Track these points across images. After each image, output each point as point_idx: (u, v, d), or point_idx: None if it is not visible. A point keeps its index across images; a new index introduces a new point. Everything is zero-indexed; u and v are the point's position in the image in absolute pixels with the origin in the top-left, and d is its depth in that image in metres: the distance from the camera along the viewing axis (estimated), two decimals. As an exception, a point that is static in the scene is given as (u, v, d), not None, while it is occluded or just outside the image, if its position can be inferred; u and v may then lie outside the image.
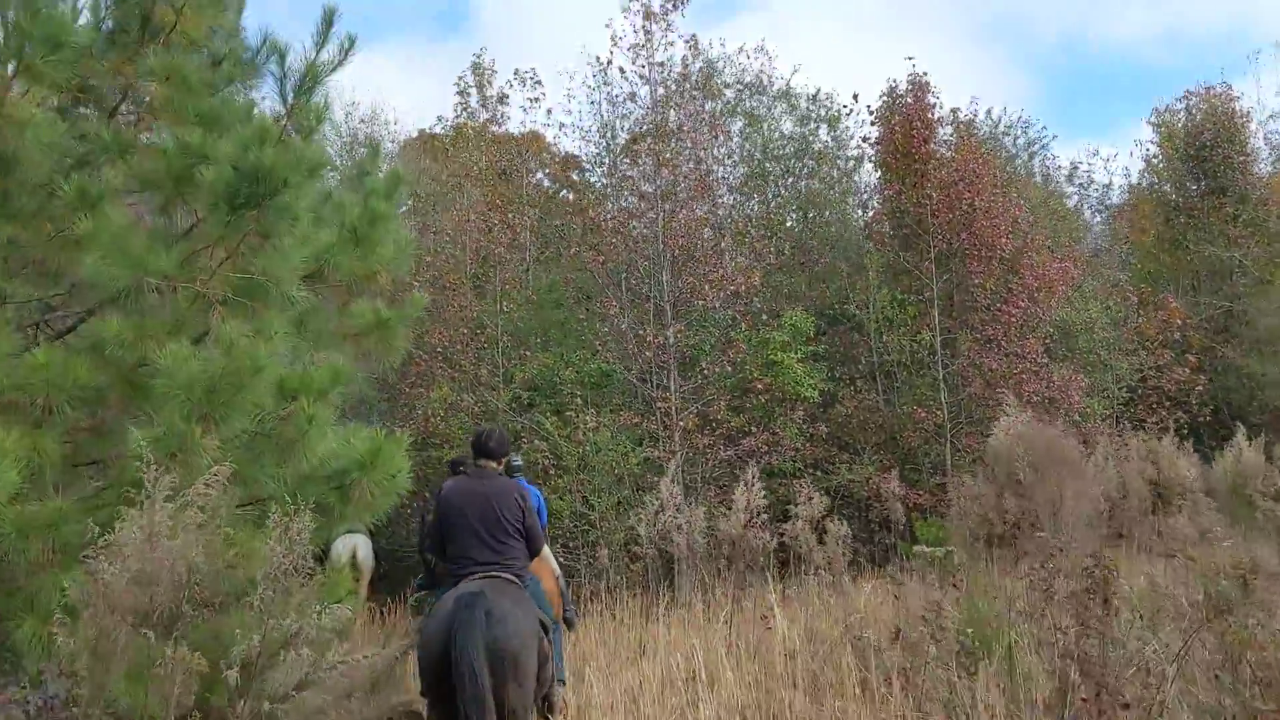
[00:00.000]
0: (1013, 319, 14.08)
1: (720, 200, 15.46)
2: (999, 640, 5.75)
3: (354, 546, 11.22)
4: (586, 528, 12.68)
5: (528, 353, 14.59)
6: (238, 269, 6.58)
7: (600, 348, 13.59)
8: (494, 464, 5.76)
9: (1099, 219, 24.83)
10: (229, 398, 5.80)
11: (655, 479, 12.89)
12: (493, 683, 4.39)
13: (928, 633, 5.45)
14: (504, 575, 5.09)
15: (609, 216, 14.24)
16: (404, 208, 16.31)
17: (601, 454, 12.75)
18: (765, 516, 8.22)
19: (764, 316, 13.91)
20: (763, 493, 8.42)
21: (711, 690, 5.94)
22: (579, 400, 12.99)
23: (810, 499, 9.09)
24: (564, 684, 5.55)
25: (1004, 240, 14.48)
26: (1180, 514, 6.06)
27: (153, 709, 4.40)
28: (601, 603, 10.75)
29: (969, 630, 5.56)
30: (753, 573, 12.30)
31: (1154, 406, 15.97)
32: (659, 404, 13.16)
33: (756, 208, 18.22)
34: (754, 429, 13.11)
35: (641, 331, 13.23)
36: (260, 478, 6.25)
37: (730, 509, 12.73)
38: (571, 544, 12.70)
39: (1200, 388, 16.15)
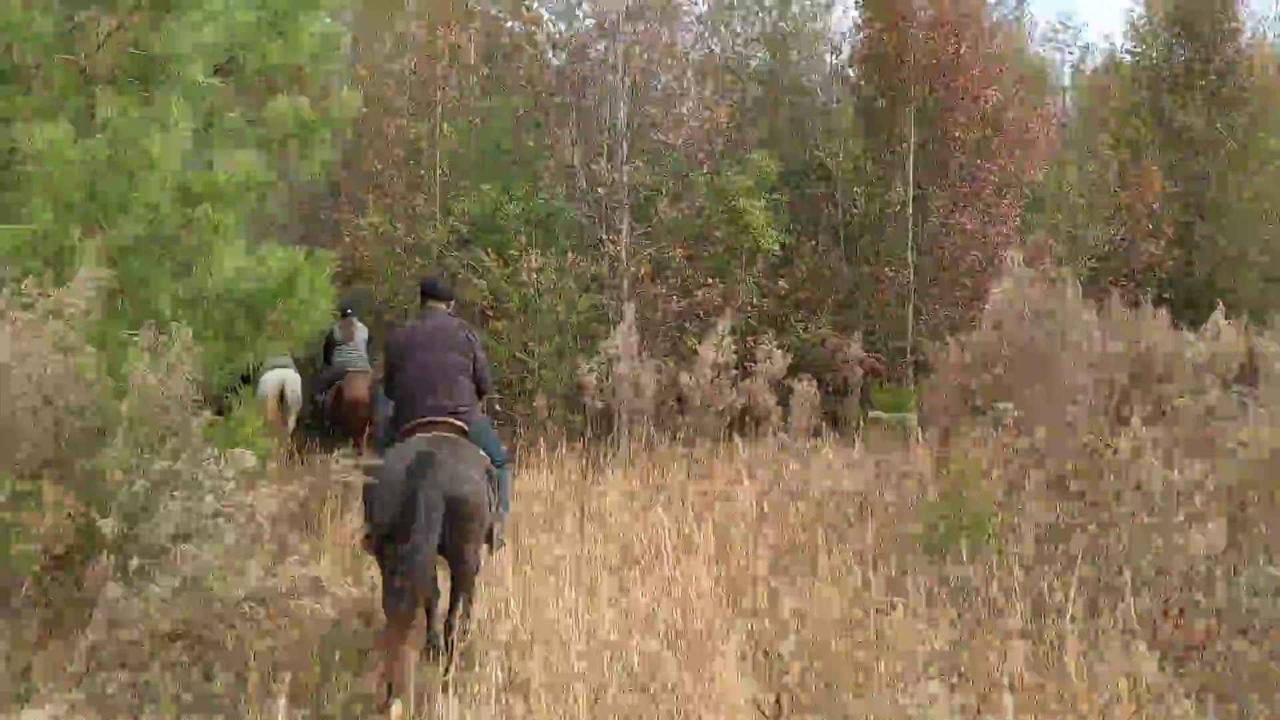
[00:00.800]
0: (991, 177, 13.49)
1: (686, 28, 14.37)
2: (982, 522, 5.31)
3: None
4: (524, 375, 12.09)
5: (467, 184, 13.66)
6: (131, 43, 5.67)
7: (549, 180, 12.71)
8: (443, 305, 5.76)
9: (1071, 90, 24.16)
10: (115, 195, 4.99)
11: (600, 327, 12.31)
12: (448, 538, 4.61)
13: (903, 506, 5.00)
14: (455, 423, 5.17)
15: (561, 34, 13.15)
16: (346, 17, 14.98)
17: (545, 298, 12.07)
18: (735, 374, 7.65)
19: (725, 161, 13.08)
20: (731, 349, 7.78)
21: (666, 564, 5.48)
22: (522, 239, 12.20)
23: (770, 356, 8.56)
24: (503, 520, 5.53)
25: (989, 91, 13.75)
26: (1182, 394, 5.66)
27: (15, 563, 3.77)
28: (539, 456, 10.24)
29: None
30: (705, 432, 11.88)
31: (1119, 280, 15.66)
32: (609, 247, 12.44)
33: (721, 43, 17.13)
34: (710, 280, 12.49)
35: (593, 167, 12.38)
36: (154, 295, 5.49)
37: (680, 363, 12.26)
38: (506, 392, 12.12)
39: (1171, 263, 15.85)
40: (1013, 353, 6.42)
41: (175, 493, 3.25)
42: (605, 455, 9.11)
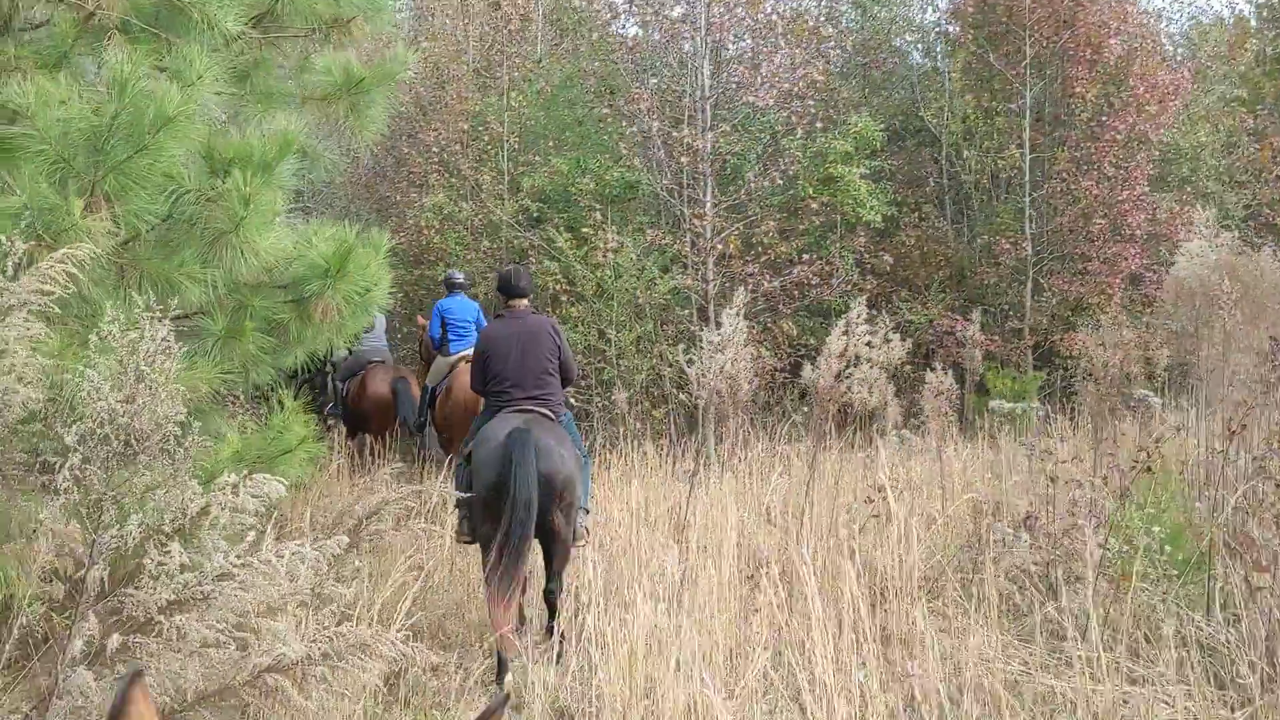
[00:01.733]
0: (1117, 137, 12.31)
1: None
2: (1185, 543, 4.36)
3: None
4: (601, 366, 11.29)
5: (537, 158, 12.88)
6: (147, -16, 4.95)
7: (626, 151, 11.86)
8: (524, 301, 5.99)
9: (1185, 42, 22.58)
10: (123, 160, 4.26)
11: (683, 312, 11.46)
12: (541, 512, 4.95)
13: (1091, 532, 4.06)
14: (543, 411, 5.50)
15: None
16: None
17: (622, 280, 11.24)
18: (867, 365, 6.71)
19: (819, 125, 12.10)
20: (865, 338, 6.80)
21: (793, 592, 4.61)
22: (597, 216, 11.38)
23: (888, 341, 7.62)
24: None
25: (1112, 42, 12.56)
26: None
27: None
28: (621, 455, 9.46)
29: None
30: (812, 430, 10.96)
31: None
32: (692, 223, 11.55)
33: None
34: (804, 256, 11.54)
35: (674, 134, 11.49)
36: (177, 283, 4.76)
37: (775, 351, 11.35)
38: (583, 383, 11.33)
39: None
40: (1207, 329, 5.43)
41: (163, 542, 2.48)
42: (697, 456, 8.26)
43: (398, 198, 13.74)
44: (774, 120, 12.05)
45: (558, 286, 11.29)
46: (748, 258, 11.39)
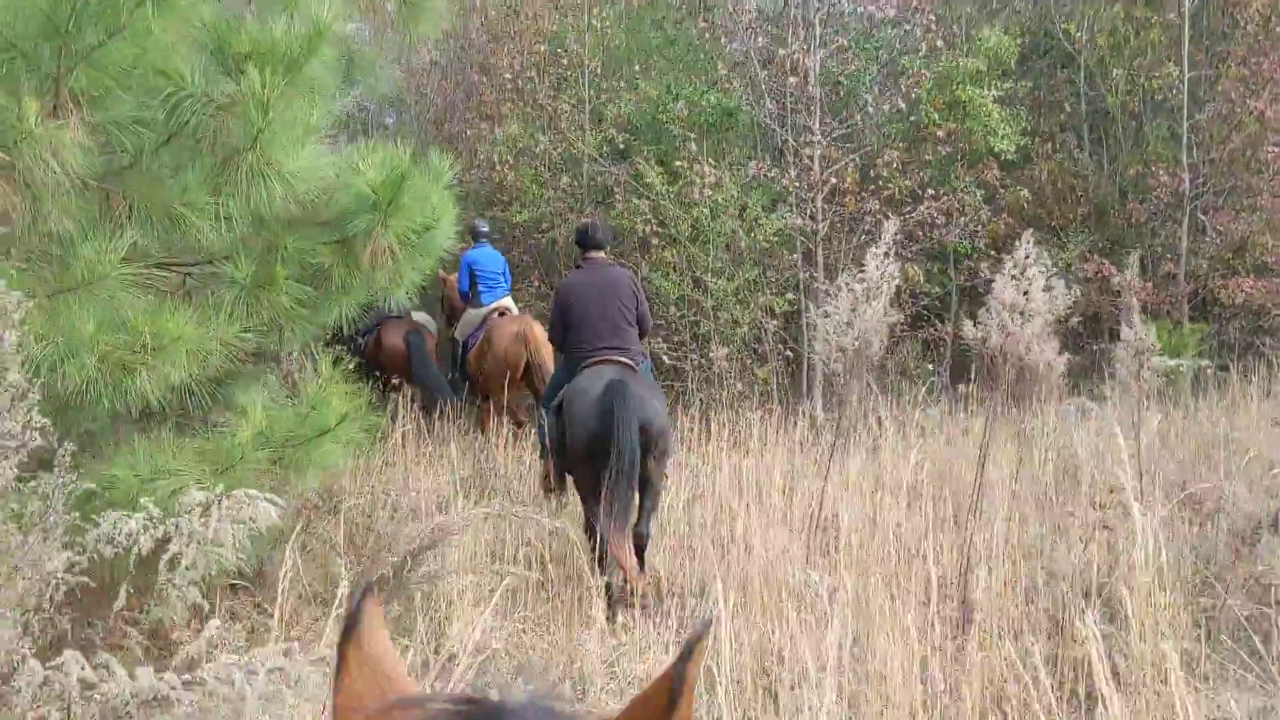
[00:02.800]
0: (1295, 49, 10.78)
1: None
2: None
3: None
4: (696, 318, 10.20)
5: (622, 84, 11.74)
6: None
7: (724, 73, 10.67)
8: (602, 253, 6.21)
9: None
10: (95, 48, 3.27)
11: (792, 256, 10.31)
12: (641, 456, 5.18)
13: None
14: (625, 360, 5.71)
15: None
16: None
17: (721, 220, 10.11)
18: (1039, 319, 5.51)
19: (939, 43, 10.74)
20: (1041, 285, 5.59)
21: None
22: (691, 147, 10.23)
23: (1049, 290, 6.39)
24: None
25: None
26: None
27: None
28: (724, 423, 8.42)
29: None
30: (942, 396, 9.89)
31: None
32: (799, 154, 10.35)
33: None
34: (929, 192, 10.27)
35: (779, 53, 10.26)
36: (181, 213, 3.79)
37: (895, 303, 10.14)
38: (676, 338, 10.27)
39: None
40: None
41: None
42: (838, 431, 7.24)
43: (468, 132, 12.72)
44: (892, 36, 10.74)
45: (647, 228, 10.21)
46: (864, 193, 10.15)
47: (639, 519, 5.45)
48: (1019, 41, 11.00)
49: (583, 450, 5.30)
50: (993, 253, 11.16)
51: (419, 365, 9.35)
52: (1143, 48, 11.56)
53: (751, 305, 10.00)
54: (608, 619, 4.76)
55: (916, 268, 10.17)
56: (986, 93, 10.54)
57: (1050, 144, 12.06)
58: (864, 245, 10.79)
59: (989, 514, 4.76)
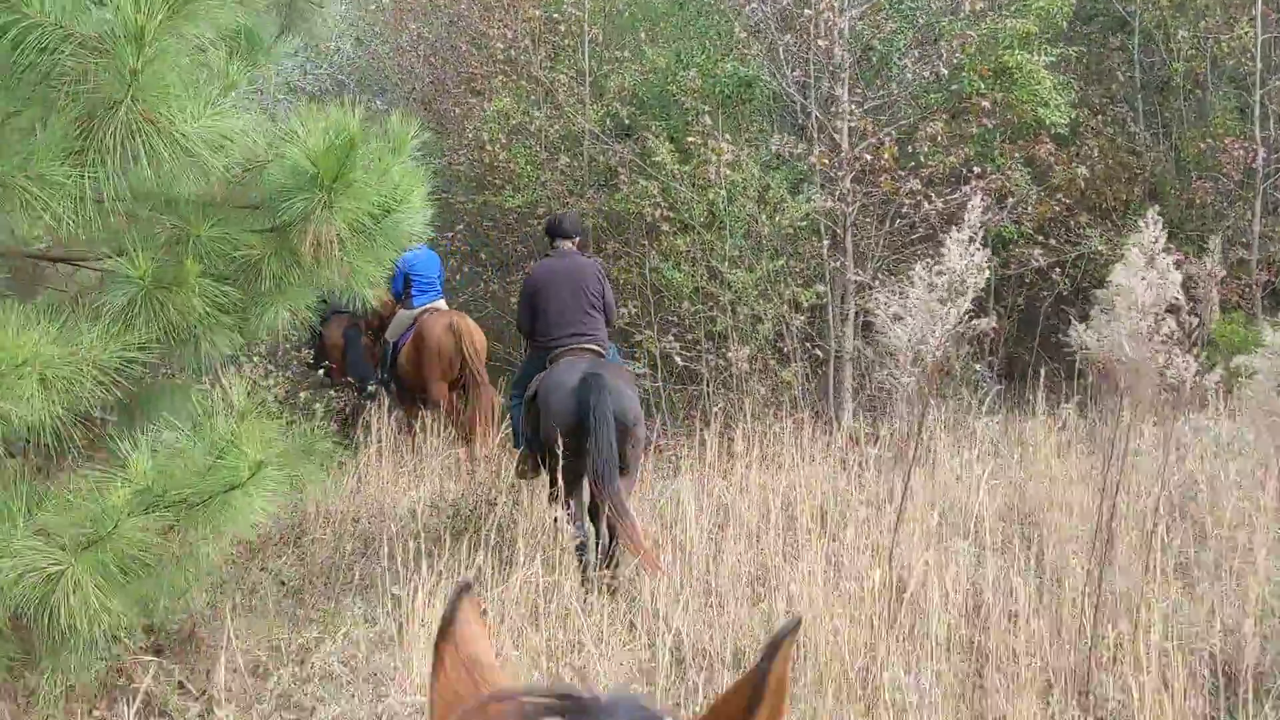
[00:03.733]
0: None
1: None
2: None
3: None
4: (713, 314, 9.20)
5: (627, 54, 10.73)
6: None
7: (742, 35, 9.65)
8: (570, 243, 6.42)
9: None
10: None
11: (821, 243, 9.31)
12: (619, 445, 5.48)
13: None
14: (594, 349, 6.08)
15: None
16: None
17: (739, 202, 9.10)
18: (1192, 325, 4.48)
19: (982, 3, 9.69)
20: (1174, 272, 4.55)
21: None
22: (706, 121, 9.21)
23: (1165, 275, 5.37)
24: None
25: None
26: None
27: None
28: (748, 435, 7.48)
29: None
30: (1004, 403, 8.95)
31: None
32: (830, 126, 9.34)
33: None
34: (974, 170, 9.25)
35: (805, 13, 9.24)
36: (25, 190, 2.81)
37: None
38: (690, 336, 9.27)
39: None
40: None
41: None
42: (914, 448, 6.31)
43: (456, 109, 11.71)
44: (929, -4, 9.72)
45: (656, 213, 9.19)
46: (902, 171, 9.13)
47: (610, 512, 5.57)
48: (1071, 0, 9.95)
49: (558, 442, 5.40)
50: (1040, 237, 10.18)
51: (353, 359, 9.62)
52: (1210, 6, 10.51)
53: (774, 299, 8.99)
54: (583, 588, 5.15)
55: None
56: (1037, 58, 9.51)
57: (1100, 116, 11.02)
58: (899, 231, 9.82)
59: (1113, 570, 3.76)
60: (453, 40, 12.44)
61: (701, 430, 8.09)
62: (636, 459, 5.90)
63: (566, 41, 10.87)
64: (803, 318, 9.02)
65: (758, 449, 7.74)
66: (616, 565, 5.56)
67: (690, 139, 9.22)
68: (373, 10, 14.93)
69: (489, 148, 10.47)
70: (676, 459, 8.52)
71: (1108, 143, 10.90)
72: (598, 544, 5.51)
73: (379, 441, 8.05)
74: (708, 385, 9.18)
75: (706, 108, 9.42)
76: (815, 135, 9.67)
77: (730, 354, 8.76)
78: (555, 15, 10.66)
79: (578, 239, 6.56)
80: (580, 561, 5.37)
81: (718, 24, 10.58)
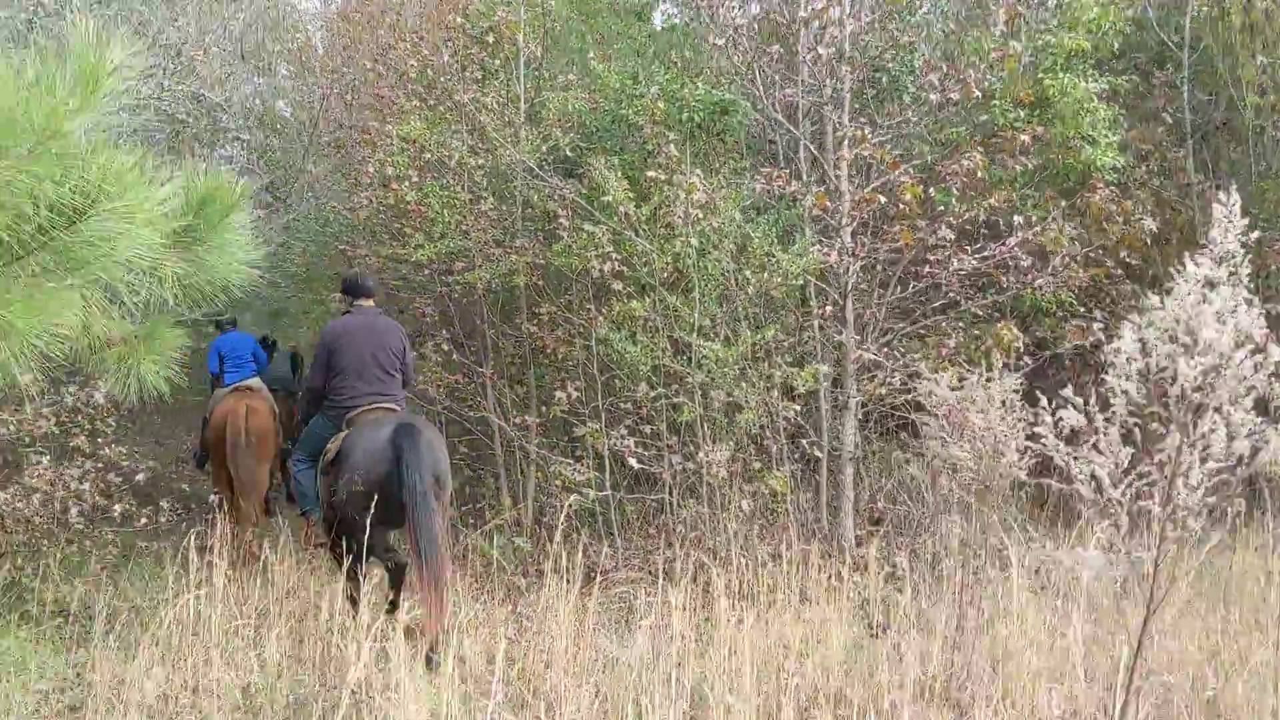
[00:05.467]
0: None
1: None
2: None
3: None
4: (678, 398, 7.16)
5: (573, 72, 8.80)
6: None
7: (714, 48, 7.76)
8: (370, 301, 6.36)
9: None
10: None
11: (803, 310, 7.38)
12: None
13: None
14: (396, 408, 6.05)
15: None
16: None
17: (713, 256, 7.13)
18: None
19: (1023, 10, 7.91)
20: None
21: None
22: (671, 153, 7.25)
23: None
24: None
25: None
26: None
27: None
28: (728, 567, 5.48)
29: None
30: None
31: None
32: (826, 161, 7.44)
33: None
34: (1016, 220, 7.34)
35: (795, 19, 7.37)
36: None
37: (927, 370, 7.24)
38: (648, 428, 7.22)
39: None
40: None
41: None
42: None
43: (354, 138, 9.70)
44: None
45: (606, 268, 7.17)
46: (922, 221, 7.20)
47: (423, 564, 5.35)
48: (1126, 14, 8.17)
49: (364, 498, 5.23)
50: (1083, 308, 8.30)
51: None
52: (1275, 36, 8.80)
53: (758, 381, 6.98)
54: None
55: (1013, 329, 7.17)
56: (1086, 83, 7.70)
57: (1144, 164, 9.23)
58: (912, 295, 7.88)
59: None
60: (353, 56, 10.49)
61: (664, 554, 6.08)
62: (443, 516, 5.69)
63: (497, 60, 8.91)
64: (797, 408, 7.00)
65: (739, 583, 5.74)
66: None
67: (651, 173, 7.24)
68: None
69: (395, 186, 8.43)
70: (629, 599, 6.46)
71: (1150, 194, 9.10)
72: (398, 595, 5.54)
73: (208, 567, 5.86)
74: (671, 493, 7.10)
75: (672, 136, 7.47)
76: (806, 173, 7.76)
77: (702, 454, 6.71)
78: (484, 25, 8.69)
79: (373, 297, 6.47)
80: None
81: (684, 40, 8.72)
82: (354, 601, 5.13)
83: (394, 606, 5.53)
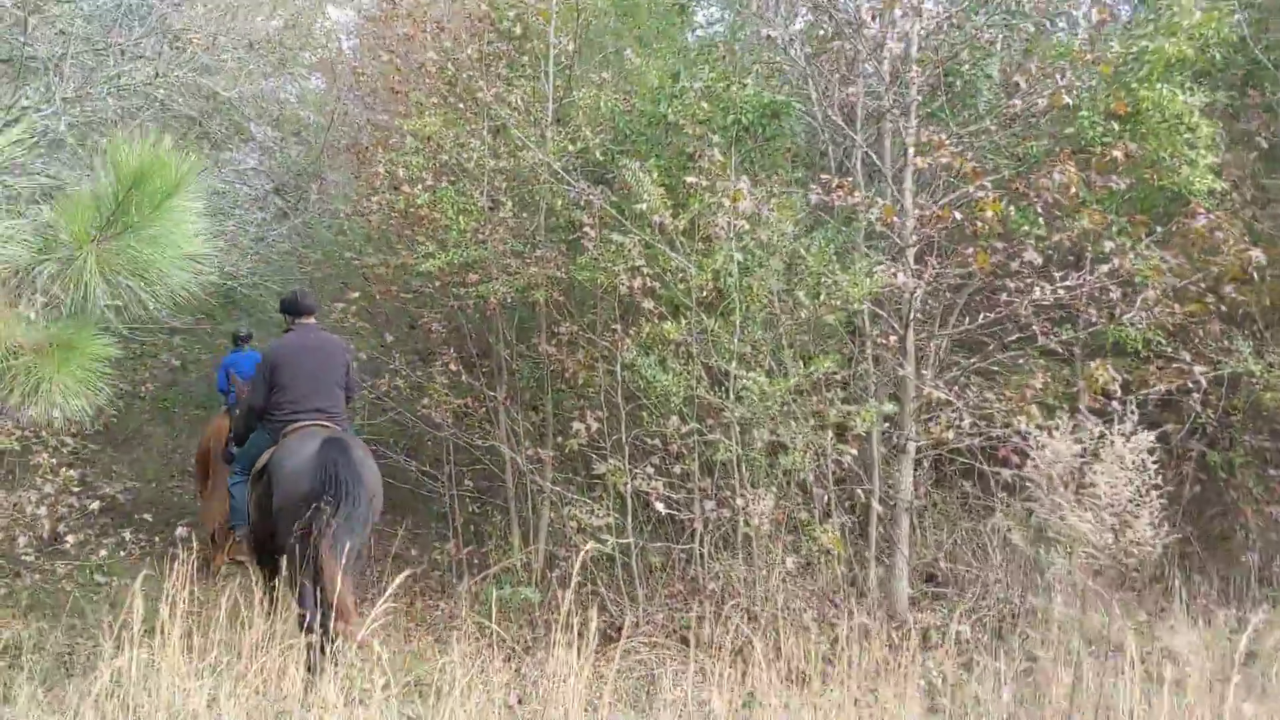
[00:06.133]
0: None
1: None
2: None
3: None
4: (713, 434, 6.28)
5: (607, 75, 7.98)
6: None
7: (762, 51, 6.93)
8: (311, 318, 6.25)
9: None
10: None
11: (846, 341, 6.55)
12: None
13: None
14: (333, 425, 5.85)
15: None
16: None
17: (758, 275, 6.27)
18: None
19: (1120, 10, 7.04)
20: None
21: None
22: (715, 155, 6.41)
23: None
24: None
25: None
26: None
27: None
28: (771, 642, 4.62)
29: None
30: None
31: None
32: (891, 172, 6.59)
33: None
34: (1095, 250, 6.45)
35: (855, 18, 6.53)
36: None
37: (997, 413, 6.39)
38: (679, 468, 6.34)
39: None
40: None
41: None
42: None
43: (370, 136, 8.92)
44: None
45: (636, 284, 6.32)
46: (999, 243, 6.31)
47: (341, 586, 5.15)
48: (1233, 15, 7.26)
49: (290, 513, 5.22)
50: (1170, 347, 7.37)
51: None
52: None
53: (804, 420, 6.09)
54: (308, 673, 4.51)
55: (1108, 369, 6.25)
56: (1186, 96, 6.81)
57: (1236, 191, 8.29)
58: (980, 327, 6.98)
59: None
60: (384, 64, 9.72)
61: (694, 613, 5.23)
62: (369, 531, 5.65)
63: (525, 56, 8.10)
64: (853, 451, 6.10)
65: (781, 653, 4.89)
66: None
67: (691, 179, 6.39)
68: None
69: (405, 189, 7.62)
70: (652, 667, 5.59)
71: (1244, 226, 8.17)
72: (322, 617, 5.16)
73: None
74: (703, 543, 6.21)
75: (716, 139, 6.63)
76: (863, 186, 6.90)
77: (743, 500, 5.82)
78: (512, 15, 7.88)
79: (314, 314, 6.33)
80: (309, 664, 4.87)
81: (732, 34, 7.89)
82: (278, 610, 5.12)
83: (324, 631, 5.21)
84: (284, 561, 5.17)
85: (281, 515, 5.32)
